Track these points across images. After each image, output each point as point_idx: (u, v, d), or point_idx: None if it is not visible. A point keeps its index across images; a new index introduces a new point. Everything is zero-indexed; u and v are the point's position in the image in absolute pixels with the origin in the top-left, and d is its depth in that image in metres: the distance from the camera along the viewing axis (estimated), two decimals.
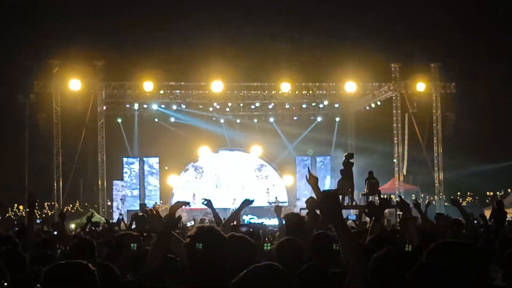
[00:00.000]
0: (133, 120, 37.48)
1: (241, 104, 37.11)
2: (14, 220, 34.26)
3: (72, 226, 25.25)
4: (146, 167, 37.64)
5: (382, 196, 19.09)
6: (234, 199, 32.90)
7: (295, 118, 39.21)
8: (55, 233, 11.68)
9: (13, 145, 36.39)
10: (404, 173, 35.92)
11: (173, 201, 34.89)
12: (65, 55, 32.98)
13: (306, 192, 33.66)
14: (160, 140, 37.66)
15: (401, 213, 7.34)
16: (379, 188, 26.47)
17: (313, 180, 6.70)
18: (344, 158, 25.22)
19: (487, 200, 42.14)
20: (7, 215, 38.50)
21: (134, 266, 5.58)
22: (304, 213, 11.62)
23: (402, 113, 35.77)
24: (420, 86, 34.68)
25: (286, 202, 36.51)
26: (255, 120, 39.12)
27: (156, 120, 37.62)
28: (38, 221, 15.07)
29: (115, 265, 4.83)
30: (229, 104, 36.73)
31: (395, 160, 36.01)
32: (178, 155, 37.83)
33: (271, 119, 39.08)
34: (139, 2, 39.70)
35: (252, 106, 37.32)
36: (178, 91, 34.87)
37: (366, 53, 35.48)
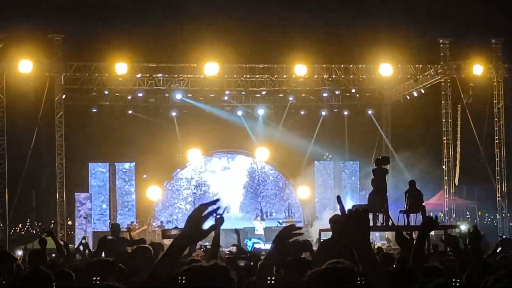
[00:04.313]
0: (101, 113, 37.49)
1: (243, 92, 37.02)
2: None
3: (19, 253, 24.09)
4: (118, 175, 37.44)
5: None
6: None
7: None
8: None
9: None
10: (456, 184, 36.03)
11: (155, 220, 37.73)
12: (12, 27, 33.09)
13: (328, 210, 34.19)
14: (138, 140, 37.68)
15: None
16: (424, 204, 26.19)
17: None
18: (375, 164, 25.24)
19: None
20: None
21: None
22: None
23: (453, 104, 35.65)
24: (477, 69, 34.14)
25: (301, 221, 36.44)
26: (261, 114, 38.55)
27: (131, 112, 37.31)
28: None
29: None
30: (227, 93, 36.65)
31: (444, 167, 35.77)
32: (160, 160, 37.72)
33: (282, 112, 38.58)
34: None
35: (257, 95, 37.28)
36: (160, 75, 34.66)
37: (407, 25, 36.28)
